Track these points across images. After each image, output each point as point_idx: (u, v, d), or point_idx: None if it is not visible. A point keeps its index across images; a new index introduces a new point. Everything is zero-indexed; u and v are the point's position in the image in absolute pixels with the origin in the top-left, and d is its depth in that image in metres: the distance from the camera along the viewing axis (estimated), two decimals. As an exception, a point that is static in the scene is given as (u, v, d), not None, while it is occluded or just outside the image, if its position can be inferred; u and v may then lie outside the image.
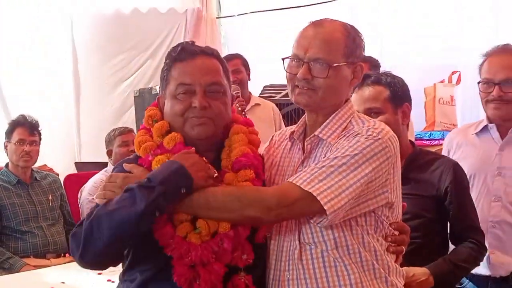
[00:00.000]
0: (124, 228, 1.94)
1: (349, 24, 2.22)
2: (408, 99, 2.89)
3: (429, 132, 6.32)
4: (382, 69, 7.03)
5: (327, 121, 2.18)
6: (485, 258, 2.90)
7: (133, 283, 2.10)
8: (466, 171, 2.98)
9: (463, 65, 6.65)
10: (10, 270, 4.36)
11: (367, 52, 2.29)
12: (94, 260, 2.04)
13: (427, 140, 6.25)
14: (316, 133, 2.18)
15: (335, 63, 2.13)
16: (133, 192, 1.94)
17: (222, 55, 2.35)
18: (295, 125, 2.31)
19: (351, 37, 2.18)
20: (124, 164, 2.16)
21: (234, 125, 2.21)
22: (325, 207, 1.96)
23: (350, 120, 2.19)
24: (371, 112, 2.74)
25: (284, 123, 5.77)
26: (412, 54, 7.24)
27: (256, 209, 1.99)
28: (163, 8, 7.67)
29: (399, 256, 2.21)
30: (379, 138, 2.06)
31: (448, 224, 2.87)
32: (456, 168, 2.84)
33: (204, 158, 2.06)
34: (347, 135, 2.11)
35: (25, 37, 6.75)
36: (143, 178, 1.98)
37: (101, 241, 1.95)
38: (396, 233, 2.19)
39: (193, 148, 2.08)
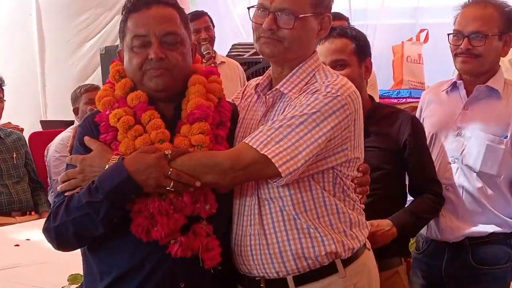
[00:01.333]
0: (89, 232, 2.01)
1: None
2: (370, 55, 2.86)
3: (397, 90, 6.36)
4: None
5: (290, 74, 2.14)
6: (433, 221, 2.91)
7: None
8: (428, 129, 2.96)
9: (431, 23, 6.67)
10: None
11: (336, 9, 2.24)
12: (72, 250, 2.14)
13: (394, 98, 6.28)
14: (277, 86, 2.13)
15: (301, 14, 2.07)
16: (85, 206, 1.96)
17: (189, 11, 2.29)
18: (261, 77, 2.27)
19: None
20: (85, 138, 2.11)
21: (193, 75, 2.16)
22: (280, 170, 1.94)
23: (314, 74, 2.14)
24: (336, 65, 2.70)
25: (252, 82, 5.76)
26: (380, 12, 7.25)
27: (212, 174, 1.96)
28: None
29: (363, 197, 2.22)
30: (338, 95, 2.02)
31: (407, 176, 2.88)
32: (414, 121, 2.84)
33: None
34: (307, 90, 2.07)
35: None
36: (90, 177, 2.00)
37: (72, 242, 2.06)
38: (360, 174, 2.19)
39: (154, 146, 2.01)
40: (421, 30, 6.67)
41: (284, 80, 2.13)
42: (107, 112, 2.09)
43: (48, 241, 2.08)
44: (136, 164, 1.94)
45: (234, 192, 2.16)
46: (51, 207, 2.10)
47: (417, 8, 7.22)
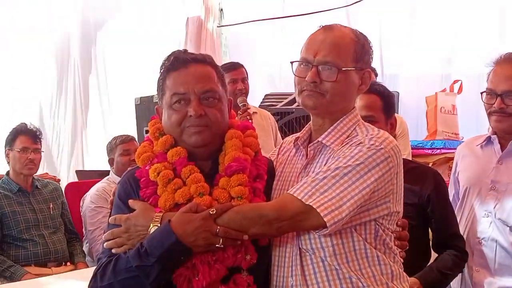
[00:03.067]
0: None
1: (358, 31, 2.23)
2: (395, 111, 2.91)
3: (431, 141, 6.32)
4: (382, 78, 7.10)
5: (332, 127, 2.18)
6: (467, 275, 2.88)
7: None
8: (463, 183, 2.96)
9: (464, 74, 6.66)
10: (11, 278, 4.33)
11: None
12: None
13: (428, 149, 6.24)
14: (320, 139, 2.17)
15: (344, 67, 2.13)
16: (134, 269, 1.99)
17: (222, 63, 2.35)
18: (299, 133, 2.30)
19: (360, 42, 2.19)
20: (129, 201, 2.15)
21: (229, 130, 2.22)
22: (325, 219, 1.96)
23: (354, 128, 2.19)
24: (365, 121, 2.72)
25: (285, 132, 5.77)
26: (413, 63, 7.25)
27: (258, 226, 1.99)
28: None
29: (402, 252, 2.23)
30: (382, 148, 2.05)
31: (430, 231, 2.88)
32: (436, 177, 2.86)
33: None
34: (350, 143, 2.10)
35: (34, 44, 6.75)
36: (140, 238, 2.04)
37: None
38: (399, 229, 2.21)
39: (196, 202, 2.05)
40: (455, 81, 6.66)
41: (326, 133, 2.18)
42: (147, 168, 2.16)
43: None
44: (183, 227, 1.98)
45: (273, 244, 2.18)
46: (97, 265, 2.12)
47: (451, 58, 7.22)
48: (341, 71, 2.12)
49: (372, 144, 2.06)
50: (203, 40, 7.87)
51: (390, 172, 2.07)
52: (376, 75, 5.54)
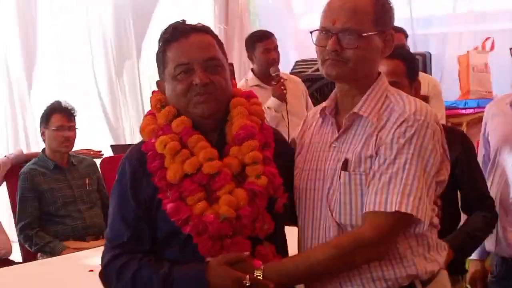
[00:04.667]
0: None
1: None
2: (418, 75, 2.87)
3: (464, 101, 6.25)
4: (413, 37, 7.00)
5: (364, 97, 2.13)
6: (502, 236, 2.86)
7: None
8: (494, 144, 2.93)
9: (496, 30, 6.55)
10: (51, 253, 4.42)
11: (397, 18, 2.24)
12: None
13: (462, 108, 6.19)
14: (355, 110, 2.12)
15: (364, 33, 2.08)
16: None
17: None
18: (325, 102, 2.27)
19: (379, 4, 2.13)
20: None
21: (234, 98, 2.19)
22: (419, 216, 1.98)
23: (386, 95, 2.14)
24: None
25: (317, 98, 5.76)
26: (444, 21, 7.15)
27: (364, 255, 2.00)
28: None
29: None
30: (428, 123, 2.04)
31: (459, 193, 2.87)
32: (464, 138, 2.83)
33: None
34: (393, 119, 2.06)
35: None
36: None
37: None
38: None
39: (237, 255, 2.03)
40: (487, 39, 6.55)
41: (360, 103, 2.13)
42: (152, 141, 2.14)
43: (102, 281, 2.16)
44: (216, 280, 1.99)
45: (305, 216, 2.19)
46: (110, 257, 2.15)
47: (481, 14, 7.09)
48: (362, 37, 2.07)
49: (418, 120, 2.03)
50: (231, 9, 7.84)
51: (440, 143, 2.07)
52: (406, 36, 5.47)
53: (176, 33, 2.15)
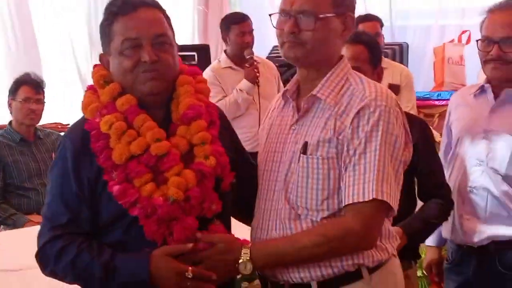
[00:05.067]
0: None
1: None
2: (381, 61, 2.87)
3: (438, 92, 6.28)
4: (391, 29, 7.03)
5: (324, 79, 2.12)
6: (458, 224, 2.87)
7: None
8: (456, 133, 2.93)
9: (472, 24, 6.55)
10: (14, 226, 4.39)
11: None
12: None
13: (435, 100, 6.21)
14: (313, 92, 2.11)
15: (322, 14, 2.06)
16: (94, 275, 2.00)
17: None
18: (288, 85, 2.26)
19: None
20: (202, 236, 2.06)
21: (180, 76, 2.15)
22: (391, 204, 2.00)
23: (347, 77, 2.13)
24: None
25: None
26: (421, 14, 7.17)
27: (352, 245, 2.03)
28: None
29: None
30: (390, 108, 2.03)
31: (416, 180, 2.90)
32: (423, 125, 2.84)
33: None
34: (354, 104, 2.04)
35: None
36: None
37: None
38: None
39: (182, 246, 2.01)
40: (463, 32, 6.58)
41: (319, 85, 2.11)
42: (97, 120, 2.06)
43: (38, 261, 2.11)
44: (159, 272, 1.97)
45: (260, 197, 2.19)
46: (46, 238, 2.09)
47: (460, 8, 7.12)
48: (319, 19, 2.05)
49: (379, 105, 2.02)
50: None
51: (403, 125, 2.08)
52: (381, 25, 5.48)
53: (125, 6, 2.06)
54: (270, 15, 2.17)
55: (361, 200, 1.98)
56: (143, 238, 2.01)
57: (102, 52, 2.17)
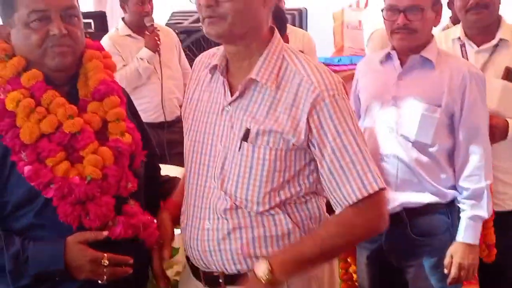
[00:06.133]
0: None
1: None
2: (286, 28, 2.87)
3: (338, 58, 6.32)
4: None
5: (261, 60, 1.94)
6: None
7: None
8: (363, 100, 2.94)
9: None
10: None
11: None
12: None
13: (336, 65, 6.24)
14: (252, 76, 1.92)
15: None
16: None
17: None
18: (218, 57, 2.06)
19: None
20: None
21: (87, 51, 2.07)
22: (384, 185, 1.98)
23: (283, 56, 1.96)
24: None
25: (193, 51, 5.66)
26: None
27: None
28: None
29: None
30: (341, 93, 1.92)
31: None
32: None
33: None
34: (303, 95, 1.89)
35: None
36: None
37: None
38: None
39: (96, 233, 1.94)
40: (361, -4, 6.66)
41: (256, 67, 1.94)
42: (1, 96, 1.94)
43: None
44: (75, 262, 1.90)
45: (189, 179, 2.07)
46: None
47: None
48: None
49: (333, 96, 1.89)
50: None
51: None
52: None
53: None
54: None
55: (366, 194, 1.92)
56: (57, 221, 1.92)
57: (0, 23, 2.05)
